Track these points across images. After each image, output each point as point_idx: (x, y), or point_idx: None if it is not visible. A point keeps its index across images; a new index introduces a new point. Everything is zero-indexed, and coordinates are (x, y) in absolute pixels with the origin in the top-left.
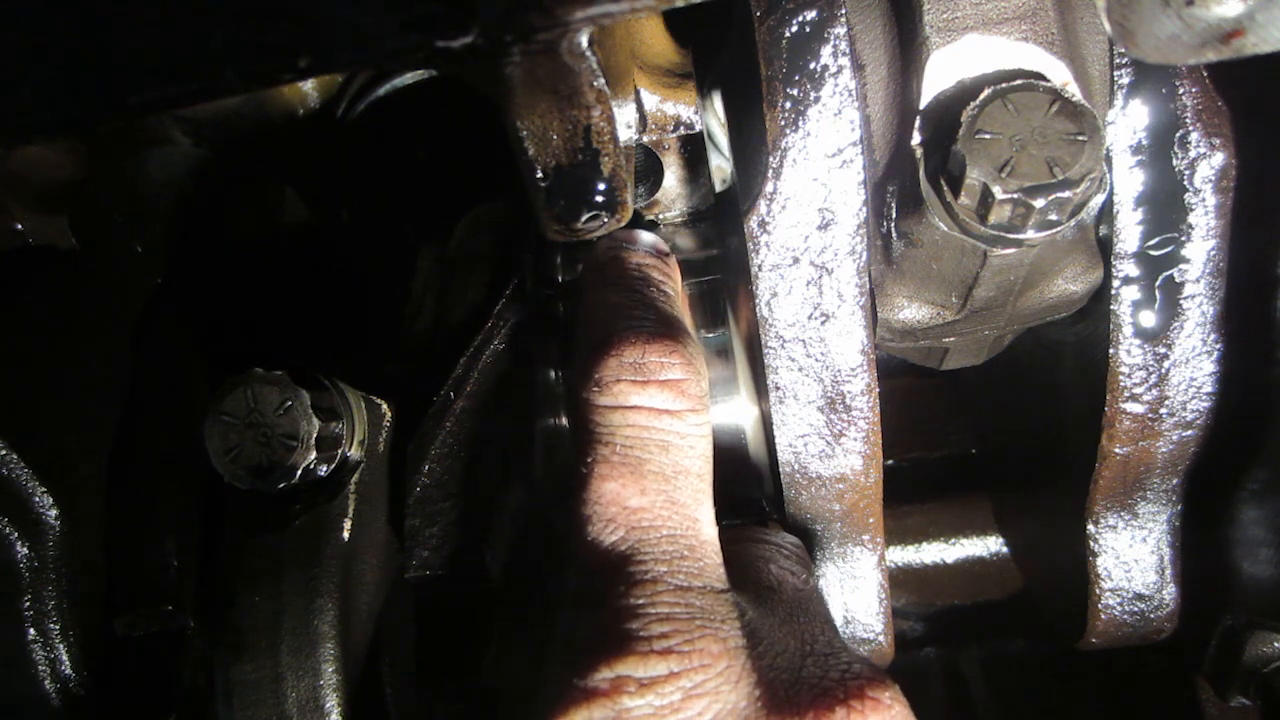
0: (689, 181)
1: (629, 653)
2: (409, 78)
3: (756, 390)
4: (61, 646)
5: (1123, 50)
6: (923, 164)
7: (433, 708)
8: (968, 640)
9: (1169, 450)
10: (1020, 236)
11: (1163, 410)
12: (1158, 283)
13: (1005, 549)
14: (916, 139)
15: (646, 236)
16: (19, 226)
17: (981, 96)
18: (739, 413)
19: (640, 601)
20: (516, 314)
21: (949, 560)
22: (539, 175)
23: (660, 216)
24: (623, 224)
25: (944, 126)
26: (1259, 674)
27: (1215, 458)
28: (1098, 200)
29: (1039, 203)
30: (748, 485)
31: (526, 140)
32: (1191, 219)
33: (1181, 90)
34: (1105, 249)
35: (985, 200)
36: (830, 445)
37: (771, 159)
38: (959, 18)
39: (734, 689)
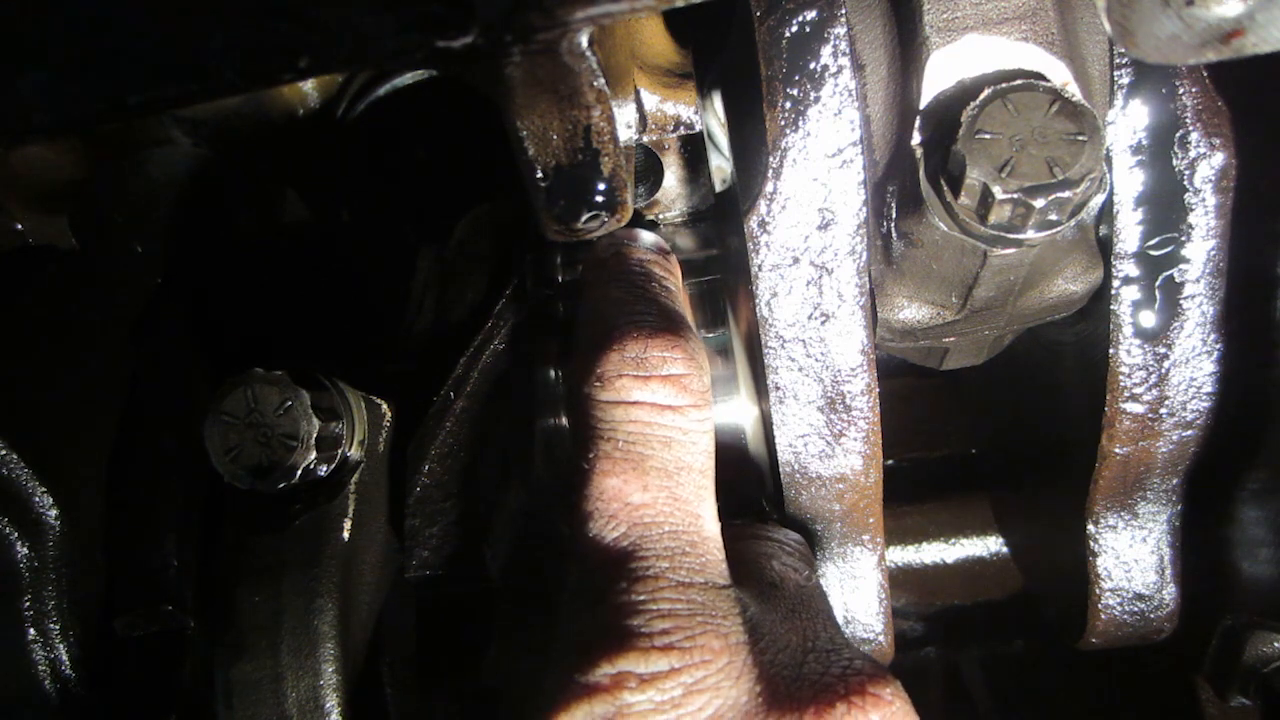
0: (689, 181)
1: (630, 648)
2: (409, 78)
3: (756, 390)
4: (61, 646)
5: (1123, 50)
6: (923, 164)
7: (433, 708)
8: (968, 640)
9: (1169, 450)
10: (1020, 236)
11: (1163, 410)
12: (1158, 283)
13: (1005, 549)
14: (916, 139)
15: (647, 235)
16: (19, 226)
17: (981, 96)
18: (739, 413)
19: (642, 598)
20: (516, 314)
21: (949, 560)
22: (539, 175)
23: (660, 216)
24: (623, 224)
25: (944, 126)
26: (1259, 674)
27: (1215, 458)
28: (1098, 200)
29: (1039, 203)
30: (747, 485)
31: (526, 140)
32: (1191, 219)
33: (1181, 90)
34: (1105, 249)
35: (985, 200)
36: (830, 445)
37: (771, 159)
38: (959, 18)
39: (735, 684)
